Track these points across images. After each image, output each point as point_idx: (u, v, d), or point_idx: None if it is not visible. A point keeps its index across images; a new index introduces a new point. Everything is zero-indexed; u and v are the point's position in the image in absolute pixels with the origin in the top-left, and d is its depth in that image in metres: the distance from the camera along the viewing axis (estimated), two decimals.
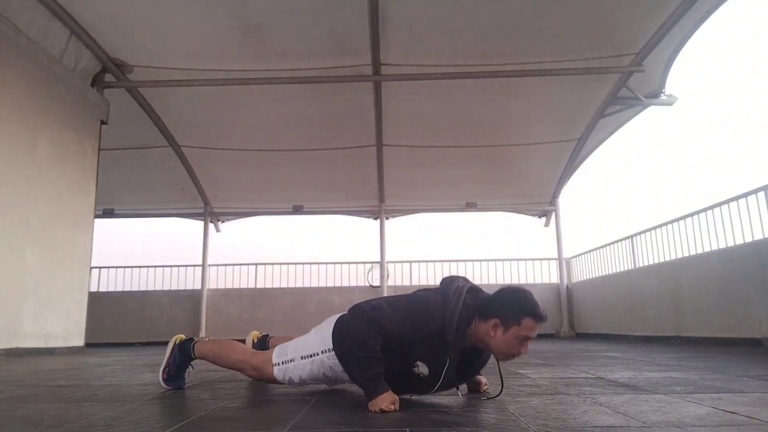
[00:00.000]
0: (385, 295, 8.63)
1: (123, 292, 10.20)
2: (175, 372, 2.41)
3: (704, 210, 6.06)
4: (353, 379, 2.04)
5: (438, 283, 2.06)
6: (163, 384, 2.41)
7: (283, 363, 2.21)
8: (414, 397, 2.06)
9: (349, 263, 10.43)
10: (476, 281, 2.07)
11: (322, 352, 2.11)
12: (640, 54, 6.60)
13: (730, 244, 5.63)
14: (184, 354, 2.41)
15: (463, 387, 2.18)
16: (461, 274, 2.20)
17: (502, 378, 2.08)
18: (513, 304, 1.88)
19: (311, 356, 2.14)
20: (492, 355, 2.05)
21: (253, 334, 2.83)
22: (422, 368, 1.88)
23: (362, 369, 1.82)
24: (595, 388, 2.26)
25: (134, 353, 6.06)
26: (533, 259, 10.44)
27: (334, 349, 2.08)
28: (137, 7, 5.80)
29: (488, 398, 2.05)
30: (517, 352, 1.91)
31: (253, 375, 2.33)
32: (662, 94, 7.46)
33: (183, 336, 2.49)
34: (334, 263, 10.39)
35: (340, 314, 2.16)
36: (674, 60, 6.87)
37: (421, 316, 1.87)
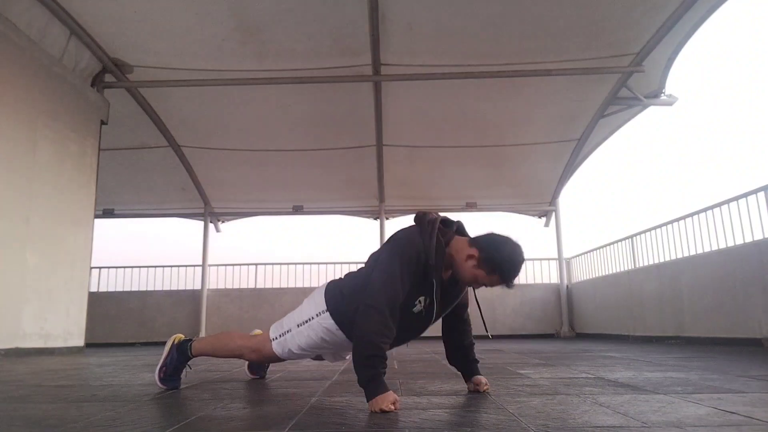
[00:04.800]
0: None
1: (123, 292, 10.19)
2: (172, 372, 2.41)
3: (704, 210, 6.06)
4: (357, 374, 2.01)
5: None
6: (158, 383, 2.41)
7: (280, 336, 2.25)
8: (414, 398, 2.06)
9: (349, 263, 10.41)
10: None
11: (317, 315, 2.14)
12: (640, 54, 6.60)
13: (730, 244, 5.63)
14: (181, 354, 2.41)
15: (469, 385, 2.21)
16: None
17: (483, 321, 2.20)
18: (498, 255, 1.93)
19: (307, 321, 2.17)
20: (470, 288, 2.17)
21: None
22: (419, 306, 1.97)
23: (365, 368, 1.82)
24: (595, 388, 2.26)
25: (134, 353, 6.06)
26: (533, 259, 10.43)
27: (328, 308, 2.12)
28: (137, 7, 5.80)
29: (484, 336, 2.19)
30: (475, 286, 2.02)
31: (254, 357, 2.37)
32: (662, 94, 7.47)
33: (182, 336, 2.49)
34: (334, 263, 10.39)
35: (331, 279, 2.24)
36: (674, 60, 6.88)
37: (408, 260, 1.90)
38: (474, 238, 2.03)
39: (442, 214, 2.10)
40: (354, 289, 2.07)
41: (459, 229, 2.11)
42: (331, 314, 2.11)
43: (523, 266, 1.98)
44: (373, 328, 1.83)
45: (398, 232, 2.05)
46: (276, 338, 2.26)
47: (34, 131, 5.64)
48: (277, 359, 2.31)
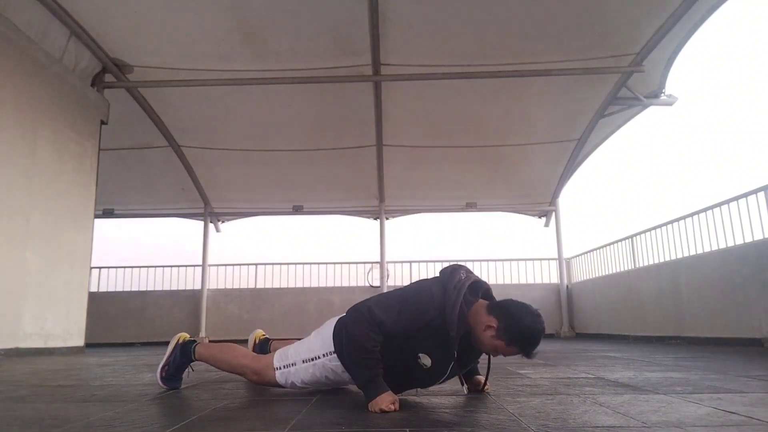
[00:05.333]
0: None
1: (123, 292, 10.20)
2: (174, 371, 2.40)
3: (704, 210, 6.06)
4: (354, 380, 2.04)
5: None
6: (159, 382, 2.40)
7: (285, 367, 2.21)
8: (414, 398, 2.06)
9: (349, 263, 10.43)
10: None
11: (324, 355, 2.11)
12: (640, 54, 6.60)
13: (730, 244, 5.63)
14: (184, 355, 2.39)
15: (465, 387, 2.18)
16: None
17: (489, 370, 2.16)
18: (516, 327, 1.86)
19: (313, 359, 2.14)
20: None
21: (257, 334, 2.80)
22: (425, 359, 1.90)
23: (361, 370, 1.82)
24: (595, 388, 2.26)
25: (134, 353, 6.06)
26: (533, 259, 10.44)
27: (336, 351, 2.08)
28: (137, 7, 5.80)
29: (476, 391, 2.09)
30: (494, 355, 1.96)
31: (255, 379, 2.32)
32: (662, 94, 7.47)
33: (187, 336, 2.47)
34: (334, 263, 10.40)
35: (340, 316, 2.15)
36: (674, 60, 6.88)
37: (415, 311, 1.88)
38: (493, 306, 1.94)
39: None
40: None
41: (486, 294, 2.04)
42: (338, 356, 2.08)
43: (542, 337, 1.91)
44: (360, 331, 1.84)
45: (423, 283, 2.00)
46: (280, 368, 2.23)
47: (34, 131, 5.64)
48: (277, 386, 2.27)
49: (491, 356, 2.05)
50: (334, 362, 2.09)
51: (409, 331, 1.87)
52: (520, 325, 1.86)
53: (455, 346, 1.87)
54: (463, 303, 1.89)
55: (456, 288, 1.91)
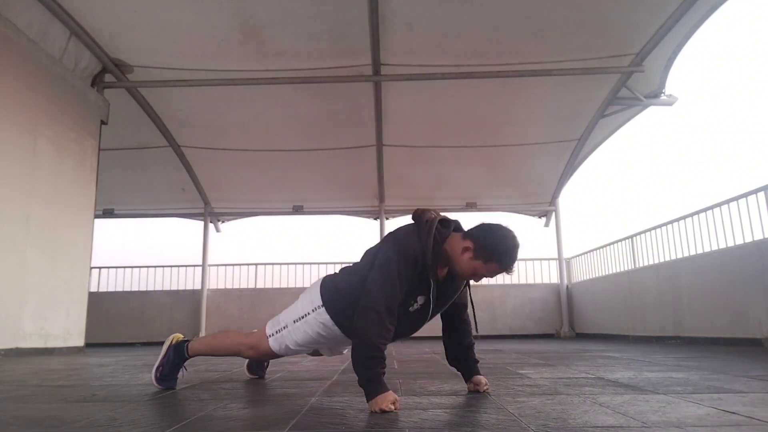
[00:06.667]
0: None
1: (123, 292, 10.19)
2: (168, 372, 2.41)
3: (704, 210, 6.06)
4: (357, 375, 1.99)
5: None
6: (154, 383, 2.41)
7: (277, 332, 2.26)
8: (414, 398, 2.06)
9: (349, 263, 10.40)
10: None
11: (313, 310, 2.16)
12: (640, 54, 6.60)
13: (730, 244, 5.63)
14: (178, 355, 2.41)
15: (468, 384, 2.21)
16: None
17: (475, 318, 2.21)
18: (491, 242, 1.94)
19: (303, 317, 2.19)
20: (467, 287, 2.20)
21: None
22: (418, 301, 1.99)
23: (364, 368, 1.82)
24: (595, 388, 2.26)
25: (134, 353, 6.06)
26: (533, 259, 10.44)
27: (324, 304, 2.13)
28: (137, 7, 5.80)
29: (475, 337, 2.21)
30: (476, 279, 2.01)
31: (251, 354, 2.38)
32: (662, 94, 7.46)
33: (180, 336, 2.49)
34: (334, 263, 10.39)
35: (326, 275, 2.25)
36: (674, 60, 6.87)
37: (405, 263, 1.90)
38: (467, 231, 2.04)
39: (441, 213, 2.10)
40: (350, 285, 2.08)
41: (456, 228, 2.11)
42: (326, 309, 2.13)
43: (518, 250, 1.99)
44: (372, 330, 1.83)
45: (396, 230, 2.05)
46: (272, 335, 2.27)
47: (34, 131, 5.64)
48: (275, 355, 2.32)
49: (470, 289, 2.17)
50: (323, 316, 2.13)
51: (409, 282, 1.92)
52: (496, 241, 1.95)
53: (433, 276, 1.93)
54: (437, 234, 1.96)
55: (427, 222, 1.99)
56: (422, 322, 2.09)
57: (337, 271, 2.29)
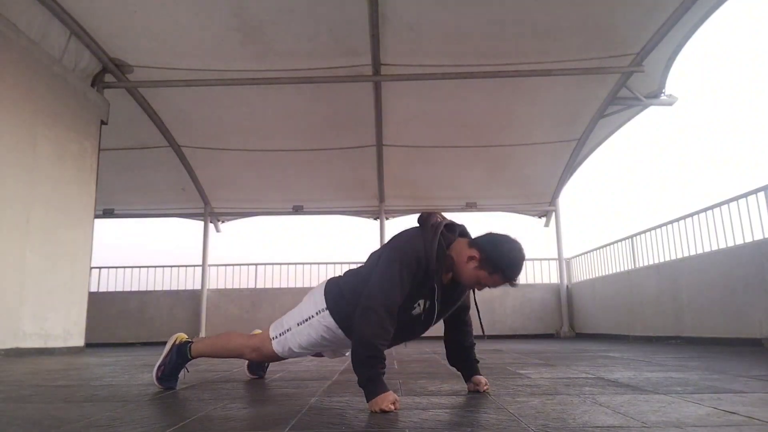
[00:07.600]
0: None
1: (123, 292, 10.20)
2: (169, 372, 2.41)
3: (704, 210, 6.06)
4: (356, 375, 2.00)
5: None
6: (155, 382, 2.41)
7: (280, 335, 2.25)
8: (414, 398, 2.06)
9: (349, 263, 10.41)
10: None
11: (317, 313, 2.15)
12: (640, 54, 6.60)
13: (730, 244, 5.63)
14: (180, 356, 2.41)
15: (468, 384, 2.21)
16: None
17: (481, 321, 2.20)
18: (498, 254, 1.93)
19: (307, 320, 2.18)
20: (472, 293, 2.20)
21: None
22: (422, 305, 1.98)
23: (364, 368, 1.82)
24: (595, 388, 2.26)
25: (134, 353, 6.06)
26: (533, 259, 10.43)
27: (328, 307, 2.12)
28: (137, 7, 5.80)
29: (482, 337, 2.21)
30: (479, 288, 2.01)
31: (254, 356, 2.37)
32: (662, 94, 7.47)
33: (184, 336, 2.48)
34: (334, 263, 10.39)
35: (331, 277, 2.23)
36: (674, 60, 6.88)
37: (407, 266, 1.89)
38: (474, 239, 2.02)
39: (446, 215, 2.10)
40: (354, 288, 2.07)
41: (462, 232, 2.10)
42: (330, 312, 2.12)
43: (524, 263, 1.98)
44: (371, 330, 1.83)
45: (401, 233, 2.04)
46: (276, 337, 2.26)
47: (34, 131, 5.64)
48: (278, 358, 2.31)
49: (474, 292, 2.14)
50: (327, 319, 2.12)
51: (411, 286, 1.91)
52: (502, 253, 1.93)
53: (437, 281, 1.92)
54: (441, 239, 1.95)
55: (433, 226, 1.98)
56: (426, 326, 2.08)
57: (341, 274, 2.28)
